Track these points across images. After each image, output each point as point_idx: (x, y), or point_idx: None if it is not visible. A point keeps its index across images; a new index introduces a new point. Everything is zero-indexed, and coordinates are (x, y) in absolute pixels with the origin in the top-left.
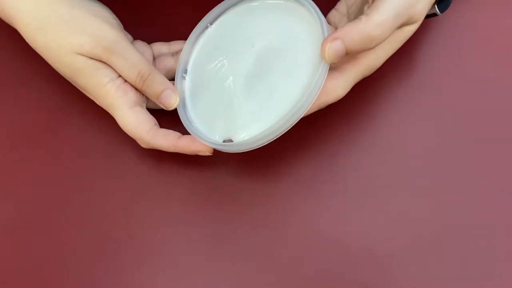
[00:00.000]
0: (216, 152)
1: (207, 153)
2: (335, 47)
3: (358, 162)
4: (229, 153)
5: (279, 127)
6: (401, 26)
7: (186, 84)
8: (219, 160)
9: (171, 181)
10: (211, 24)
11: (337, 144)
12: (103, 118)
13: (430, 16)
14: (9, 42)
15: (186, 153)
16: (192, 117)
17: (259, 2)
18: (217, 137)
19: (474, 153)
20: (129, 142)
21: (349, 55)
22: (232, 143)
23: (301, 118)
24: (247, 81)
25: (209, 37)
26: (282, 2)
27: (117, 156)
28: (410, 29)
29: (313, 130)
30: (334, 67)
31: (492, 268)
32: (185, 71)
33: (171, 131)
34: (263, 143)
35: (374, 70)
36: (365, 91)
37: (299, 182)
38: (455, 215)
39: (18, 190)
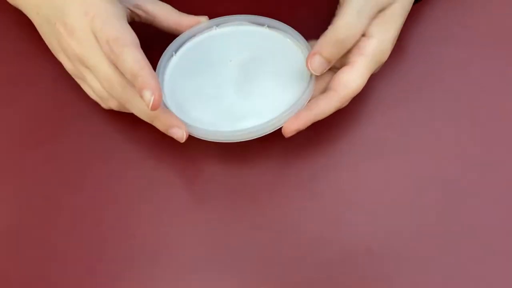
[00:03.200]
0: (216, 152)
1: (182, 137)
2: (317, 62)
3: (357, 162)
4: (229, 153)
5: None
6: (381, 10)
7: (170, 104)
8: (219, 161)
9: (171, 182)
10: (175, 52)
11: (336, 144)
12: (103, 119)
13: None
14: (9, 42)
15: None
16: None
17: (219, 29)
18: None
19: (475, 153)
20: (129, 142)
21: (337, 58)
22: (234, 130)
23: None
24: (238, 86)
25: (176, 64)
26: (244, 27)
27: (117, 156)
28: (396, 7)
29: (312, 131)
30: (344, 64)
31: (492, 268)
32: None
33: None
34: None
35: (385, 52)
36: (364, 91)
37: (299, 182)
38: (455, 214)
39: (18, 190)
